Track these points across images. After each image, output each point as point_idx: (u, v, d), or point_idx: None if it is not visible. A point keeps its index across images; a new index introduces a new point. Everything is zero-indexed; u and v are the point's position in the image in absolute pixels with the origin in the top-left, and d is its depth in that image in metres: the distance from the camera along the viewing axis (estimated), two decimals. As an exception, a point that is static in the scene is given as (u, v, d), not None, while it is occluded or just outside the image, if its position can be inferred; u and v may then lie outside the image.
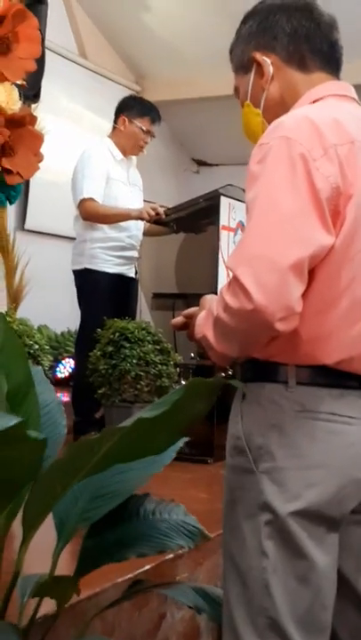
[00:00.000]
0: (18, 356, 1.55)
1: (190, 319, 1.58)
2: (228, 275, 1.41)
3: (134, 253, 4.27)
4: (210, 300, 1.53)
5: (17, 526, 1.48)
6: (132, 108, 4.27)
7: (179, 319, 1.63)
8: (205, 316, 1.47)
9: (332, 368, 1.43)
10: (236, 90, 1.67)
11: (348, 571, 1.51)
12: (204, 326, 1.46)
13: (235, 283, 1.35)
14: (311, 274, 1.38)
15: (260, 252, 1.34)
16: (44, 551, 1.57)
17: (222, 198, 3.98)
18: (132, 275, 4.30)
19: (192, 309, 1.59)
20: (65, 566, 1.58)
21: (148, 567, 2.12)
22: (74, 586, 1.56)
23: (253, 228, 1.38)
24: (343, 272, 1.40)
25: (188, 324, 1.60)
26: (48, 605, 1.59)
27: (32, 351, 3.12)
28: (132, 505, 1.63)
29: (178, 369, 3.79)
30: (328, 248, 1.37)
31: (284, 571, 1.39)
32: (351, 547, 1.50)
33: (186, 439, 1.69)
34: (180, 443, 1.65)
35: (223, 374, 3.84)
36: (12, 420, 1.15)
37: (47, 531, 1.53)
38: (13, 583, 1.49)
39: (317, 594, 1.41)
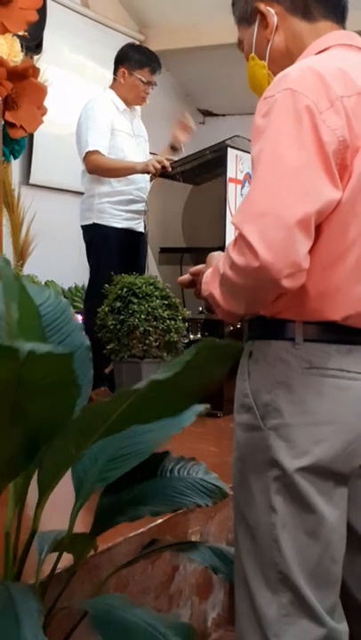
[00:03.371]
0: (34, 315, 1.53)
1: (197, 277, 1.57)
2: (234, 231, 1.40)
3: (143, 206, 4.24)
4: (216, 258, 1.52)
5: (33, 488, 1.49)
6: (130, 59, 4.20)
7: (185, 277, 1.62)
8: (212, 274, 1.46)
9: (340, 324, 1.42)
10: (240, 43, 1.63)
11: (357, 523, 1.52)
12: (210, 284, 1.45)
13: (241, 240, 1.33)
14: (318, 229, 1.36)
15: (265, 209, 1.32)
16: (63, 510, 1.59)
17: (229, 150, 3.93)
18: (141, 229, 4.26)
19: (199, 267, 1.58)
20: (82, 524, 1.60)
21: (160, 521, 2.14)
22: (91, 542, 1.59)
23: (259, 183, 1.36)
24: (351, 227, 1.39)
25: (194, 282, 1.59)
26: (64, 561, 1.61)
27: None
28: (151, 464, 1.64)
29: (186, 323, 3.79)
30: (335, 203, 1.35)
31: (294, 526, 1.41)
32: (360, 499, 1.51)
33: (207, 405, 1.69)
34: (201, 407, 1.65)
35: (232, 328, 3.85)
36: (61, 349, 1.09)
37: (67, 490, 1.54)
38: (30, 540, 1.51)
39: (327, 548, 1.42)
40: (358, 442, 1.42)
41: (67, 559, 1.63)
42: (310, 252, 1.34)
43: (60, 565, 1.61)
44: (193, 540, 2.38)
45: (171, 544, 1.82)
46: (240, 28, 1.62)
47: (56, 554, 1.57)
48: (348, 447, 1.41)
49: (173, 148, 4.31)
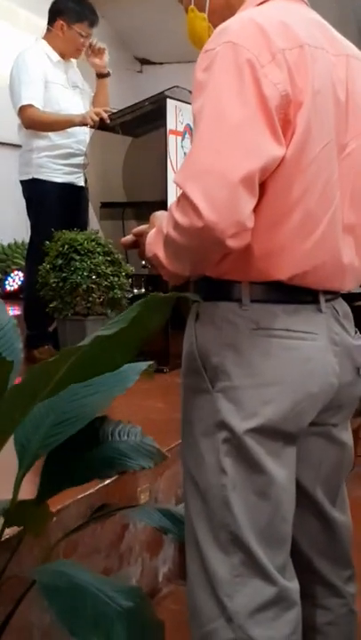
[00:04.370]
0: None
1: (140, 237, 1.53)
2: (176, 190, 1.36)
3: (82, 159, 4.14)
4: (160, 217, 1.48)
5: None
6: (69, 11, 4.05)
7: (128, 238, 1.57)
8: (155, 235, 1.42)
9: (286, 283, 1.40)
10: (179, -7, 1.58)
11: (306, 481, 1.53)
12: (154, 245, 1.42)
13: (184, 199, 1.30)
14: (262, 187, 1.33)
15: (208, 167, 1.28)
16: (6, 478, 1.56)
17: (168, 101, 3.84)
18: (82, 184, 4.17)
19: (142, 227, 1.54)
20: (28, 491, 1.58)
21: (108, 482, 2.14)
22: (38, 510, 1.57)
23: (201, 140, 1.32)
24: (295, 184, 1.36)
25: (138, 243, 1.55)
26: (11, 528, 1.59)
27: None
28: (91, 428, 1.62)
29: (130, 279, 3.75)
30: (279, 159, 1.33)
31: (244, 486, 1.41)
32: (310, 458, 1.52)
33: (150, 362, 1.68)
34: (144, 366, 1.64)
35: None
36: None
37: (9, 457, 1.51)
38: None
39: (277, 507, 1.43)
40: (306, 401, 1.42)
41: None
42: (255, 210, 1.32)
43: (9, 532, 1.59)
44: (142, 498, 2.39)
45: (119, 508, 1.81)
46: None
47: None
48: (296, 407, 1.41)
49: (101, 76, 4.26)
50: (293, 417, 1.41)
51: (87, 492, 2.07)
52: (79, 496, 2.04)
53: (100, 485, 2.12)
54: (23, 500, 1.54)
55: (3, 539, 1.55)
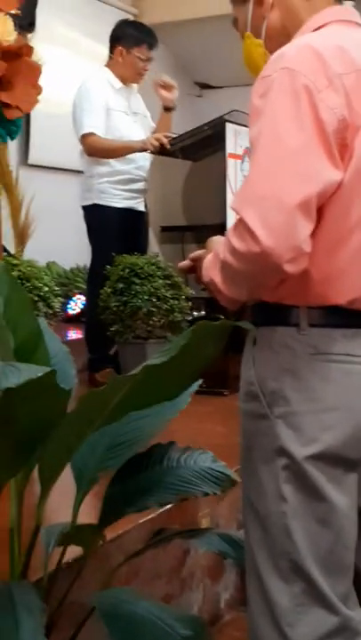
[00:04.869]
0: (24, 310, 1.52)
1: (197, 262, 1.53)
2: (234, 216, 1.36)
3: (143, 185, 4.19)
4: (216, 242, 1.49)
5: (36, 480, 1.48)
6: (127, 37, 4.12)
7: (186, 262, 1.58)
8: (212, 260, 1.43)
9: (345, 308, 1.39)
10: (235, 21, 1.59)
11: (368, 509, 1.50)
12: (211, 270, 1.42)
13: (241, 225, 1.30)
14: (320, 211, 1.33)
15: (265, 192, 1.29)
16: (66, 501, 1.58)
17: (227, 125, 3.87)
18: (142, 208, 4.22)
19: (199, 252, 1.54)
20: (87, 515, 1.59)
21: (169, 506, 2.13)
22: (98, 534, 1.58)
23: (258, 166, 1.32)
24: (353, 208, 1.35)
25: (195, 268, 1.55)
26: (72, 553, 1.60)
27: (42, 294, 3.09)
28: (156, 453, 1.63)
29: (190, 302, 3.76)
30: (337, 184, 1.32)
31: (304, 514, 1.39)
32: None
33: (200, 381, 1.68)
34: (195, 386, 1.63)
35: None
36: (41, 370, 1.12)
37: (68, 482, 1.53)
38: (35, 536, 1.50)
39: (339, 535, 1.40)
40: None
41: (77, 550, 1.63)
42: (312, 235, 1.31)
43: (70, 557, 1.60)
44: (203, 523, 2.38)
45: (179, 532, 1.80)
46: (235, 6, 1.57)
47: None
48: (356, 433, 1.39)
49: (168, 109, 4.26)
50: (354, 443, 1.39)
51: (148, 517, 2.07)
52: (140, 520, 2.05)
53: (162, 510, 2.12)
54: (83, 525, 1.56)
55: (64, 563, 1.57)
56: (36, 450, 1.38)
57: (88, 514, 1.60)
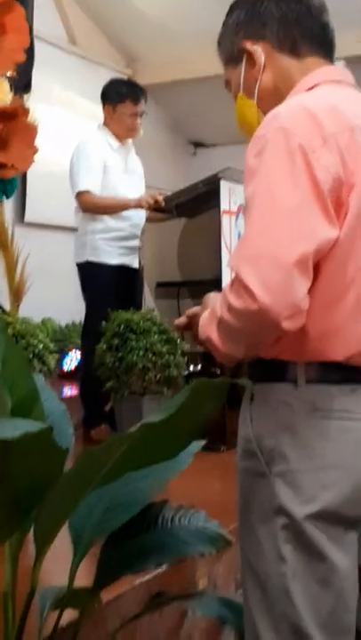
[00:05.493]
0: (21, 368, 1.51)
1: (194, 319, 1.53)
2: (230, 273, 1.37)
3: (137, 243, 4.22)
4: (213, 299, 1.49)
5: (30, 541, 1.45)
6: (111, 94, 4.18)
7: (182, 319, 1.58)
8: (209, 317, 1.43)
9: (342, 364, 1.38)
10: (228, 83, 1.61)
11: (369, 569, 1.48)
12: (208, 327, 1.42)
13: (238, 282, 1.30)
14: (316, 268, 1.33)
15: (262, 250, 1.29)
16: (62, 563, 1.55)
17: (222, 182, 3.91)
18: (136, 265, 4.24)
19: (195, 309, 1.55)
20: (83, 577, 1.56)
21: (166, 567, 2.09)
22: (94, 598, 1.54)
23: (254, 224, 1.33)
24: (349, 265, 1.36)
25: (191, 324, 1.55)
26: (68, 615, 1.56)
27: (37, 351, 3.08)
28: (150, 513, 1.60)
29: (186, 357, 3.75)
30: (333, 241, 1.33)
31: (304, 575, 1.36)
32: None
33: (202, 442, 1.66)
34: (197, 447, 1.62)
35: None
36: (38, 426, 1.11)
37: (63, 542, 1.50)
38: (30, 599, 1.46)
39: (340, 596, 1.37)
40: None
41: (72, 614, 1.59)
42: (309, 292, 1.31)
43: (65, 620, 1.56)
44: (201, 583, 2.33)
45: (177, 596, 1.76)
46: (227, 68, 1.60)
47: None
48: (356, 491, 1.37)
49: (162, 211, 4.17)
50: (354, 501, 1.37)
51: (145, 579, 2.03)
52: (136, 582, 2.00)
53: (158, 571, 2.08)
54: (79, 588, 1.52)
55: (60, 628, 1.53)
56: (32, 511, 1.36)
57: (83, 575, 1.56)
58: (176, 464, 1.59)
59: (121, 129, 4.20)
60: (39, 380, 1.67)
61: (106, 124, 4.24)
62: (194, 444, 1.66)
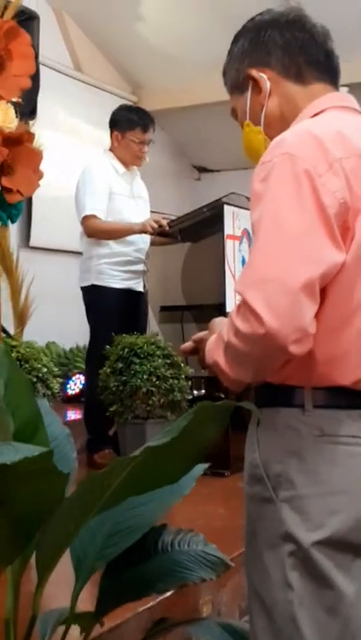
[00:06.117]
0: (24, 392, 1.51)
1: (200, 344, 1.53)
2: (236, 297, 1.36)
3: (142, 267, 4.22)
4: (219, 324, 1.49)
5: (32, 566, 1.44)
6: (121, 121, 4.22)
7: (188, 344, 1.58)
8: (216, 342, 1.42)
9: (350, 388, 1.38)
10: (234, 111, 1.63)
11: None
12: (214, 351, 1.41)
13: (245, 307, 1.30)
14: (323, 292, 1.33)
15: (269, 275, 1.29)
16: (64, 589, 1.53)
17: (226, 207, 3.94)
18: (141, 289, 4.24)
19: (201, 334, 1.54)
20: (84, 602, 1.54)
21: (169, 594, 2.07)
22: (96, 624, 1.53)
23: (260, 249, 1.33)
24: (356, 289, 1.36)
25: (198, 349, 1.55)
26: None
27: (40, 375, 3.08)
28: (150, 538, 1.59)
29: (189, 382, 3.74)
30: (339, 265, 1.33)
31: (312, 603, 1.34)
32: None
33: (205, 466, 1.65)
34: (200, 471, 1.61)
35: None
36: (38, 450, 1.11)
37: (64, 568, 1.49)
38: (32, 625, 1.45)
39: (347, 624, 1.35)
40: None
41: (74, 638, 1.57)
42: (316, 316, 1.31)
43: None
44: (205, 610, 2.31)
45: (180, 622, 1.74)
46: (233, 96, 1.61)
47: (61, 634, 1.51)
48: (364, 517, 1.36)
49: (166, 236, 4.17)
50: (362, 528, 1.36)
51: (148, 605, 2.01)
52: (140, 609, 1.98)
53: (162, 598, 2.06)
54: (80, 613, 1.51)
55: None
56: (34, 536, 1.35)
57: (84, 601, 1.55)
58: (179, 489, 1.58)
59: (127, 155, 4.22)
60: (43, 404, 1.66)
61: (112, 149, 4.26)
62: (197, 467, 1.65)
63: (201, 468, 1.64)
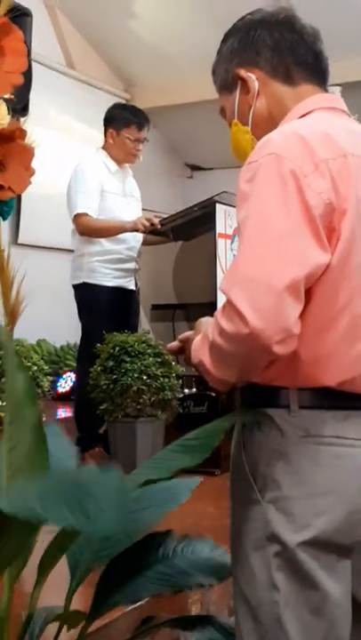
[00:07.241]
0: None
1: (186, 343, 1.53)
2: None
3: (133, 265, 4.22)
4: (205, 324, 1.48)
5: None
6: (116, 118, 4.22)
7: (175, 344, 1.58)
8: (201, 341, 1.42)
9: (335, 389, 1.38)
10: (222, 110, 1.63)
11: (362, 596, 1.46)
12: (199, 351, 1.41)
13: (229, 307, 1.30)
14: (308, 293, 1.33)
15: (253, 275, 1.29)
16: (56, 589, 1.53)
17: (218, 206, 3.94)
18: (132, 287, 4.24)
19: (187, 333, 1.54)
20: (77, 602, 1.54)
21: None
22: (88, 623, 1.53)
23: (246, 249, 1.33)
24: (341, 290, 1.36)
25: (184, 349, 1.55)
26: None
27: (30, 372, 3.08)
28: (152, 544, 1.58)
29: (180, 380, 3.74)
30: (324, 266, 1.33)
31: (297, 603, 1.35)
32: None
33: (201, 479, 1.66)
34: (196, 482, 1.62)
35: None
36: None
37: (59, 569, 1.49)
38: (27, 624, 1.45)
39: (332, 625, 1.36)
40: (360, 512, 1.37)
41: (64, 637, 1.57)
42: (301, 316, 1.31)
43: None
44: (193, 609, 2.31)
45: (169, 620, 1.74)
46: (221, 95, 1.61)
47: (53, 633, 1.51)
48: (349, 518, 1.36)
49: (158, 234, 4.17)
50: (348, 528, 1.36)
51: (137, 605, 2.01)
52: (128, 608, 1.98)
53: (150, 597, 2.05)
54: (73, 612, 1.50)
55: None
56: (34, 537, 1.35)
57: (78, 601, 1.55)
58: (175, 496, 1.58)
59: (121, 153, 4.22)
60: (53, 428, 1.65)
61: (106, 147, 4.26)
62: (193, 479, 1.66)
63: (195, 480, 1.65)
